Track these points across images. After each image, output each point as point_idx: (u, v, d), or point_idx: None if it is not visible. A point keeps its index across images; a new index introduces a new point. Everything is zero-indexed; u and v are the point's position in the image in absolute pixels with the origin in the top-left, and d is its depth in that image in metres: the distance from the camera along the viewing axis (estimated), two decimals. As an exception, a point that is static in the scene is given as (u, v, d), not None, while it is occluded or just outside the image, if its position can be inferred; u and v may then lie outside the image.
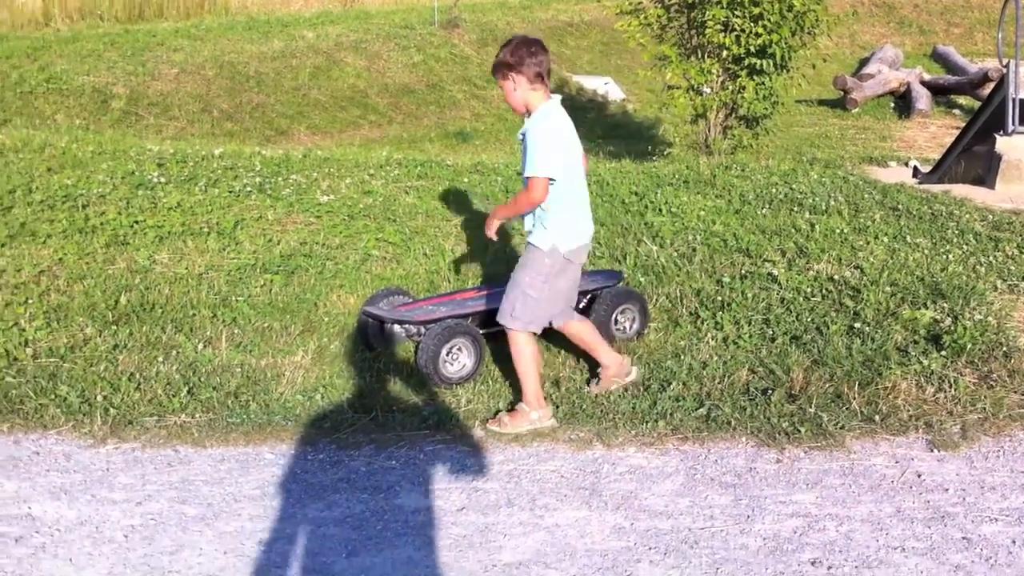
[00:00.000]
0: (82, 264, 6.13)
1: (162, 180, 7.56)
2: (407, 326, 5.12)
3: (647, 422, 4.46)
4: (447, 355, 4.89)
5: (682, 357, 5.06)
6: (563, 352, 5.21)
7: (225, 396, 4.70)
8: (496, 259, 6.35)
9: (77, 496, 3.85)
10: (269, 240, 6.68)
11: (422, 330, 5.02)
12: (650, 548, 3.57)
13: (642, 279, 6.06)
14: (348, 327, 5.47)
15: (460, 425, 4.49)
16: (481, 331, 5.10)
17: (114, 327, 5.33)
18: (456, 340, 4.92)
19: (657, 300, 5.76)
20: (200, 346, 5.18)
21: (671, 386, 4.74)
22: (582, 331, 4.79)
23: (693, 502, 3.87)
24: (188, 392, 4.69)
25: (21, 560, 3.44)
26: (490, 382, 4.92)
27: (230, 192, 7.46)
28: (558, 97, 4.48)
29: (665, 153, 11.03)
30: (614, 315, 5.34)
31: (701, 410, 4.55)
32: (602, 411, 4.57)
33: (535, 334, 4.61)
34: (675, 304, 5.71)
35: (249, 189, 7.54)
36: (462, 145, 14.03)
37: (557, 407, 4.61)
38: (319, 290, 5.95)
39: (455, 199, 7.28)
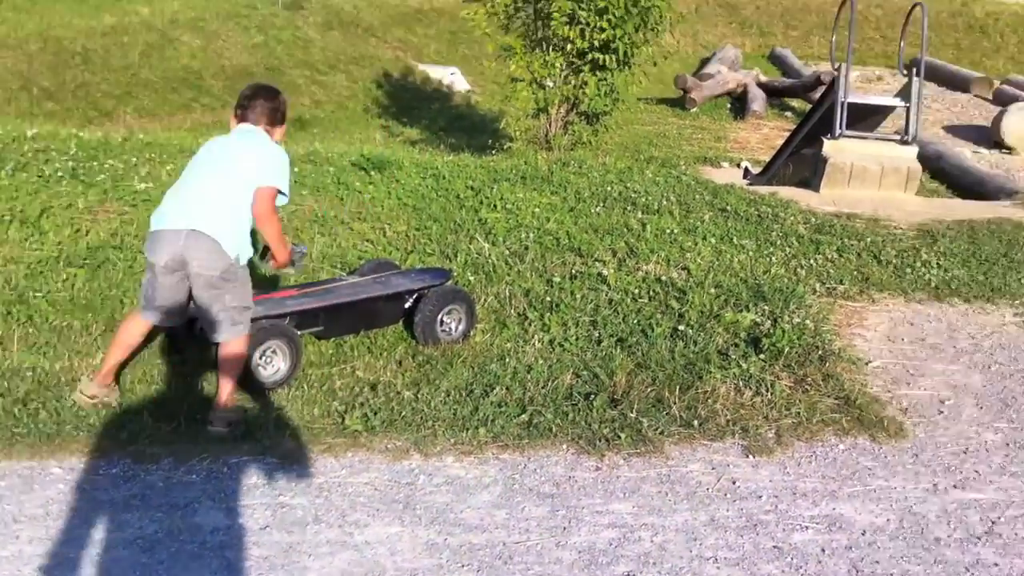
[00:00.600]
0: None
1: (-39, 163, 6.97)
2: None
3: (467, 429, 4.32)
4: (260, 358, 4.64)
5: (507, 360, 4.95)
6: (384, 355, 5.02)
7: (12, 403, 4.30)
8: (318, 256, 6.12)
9: None
10: (77, 230, 6.22)
11: (235, 332, 4.72)
12: (463, 565, 3.43)
13: (471, 278, 5.93)
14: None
15: (271, 434, 4.24)
16: (299, 332, 4.87)
17: None
18: (271, 342, 4.67)
19: (485, 300, 5.64)
20: (-12, 348, 4.75)
21: (494, 391, 4.62)
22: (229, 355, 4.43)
23: (510, 514, 3.76)
24: (-31, 400, 4.28)
25: None
26: (305, 387, 4.68)
27: (39, 177, 6.94)
28: (233, 132, 4.53)
29: (505, 147, 10.94)
30: (440, 316, 5.20)
31: (523, 416, 4.44)
32: (422, 418, 4.40)
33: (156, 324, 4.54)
34: (504, 304, 5.61)
35: (61, 174, 7.03)
36: (299, 133, 13.54)
37: (375, 413, 4.42)
38: (127, 286, 5.56)
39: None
